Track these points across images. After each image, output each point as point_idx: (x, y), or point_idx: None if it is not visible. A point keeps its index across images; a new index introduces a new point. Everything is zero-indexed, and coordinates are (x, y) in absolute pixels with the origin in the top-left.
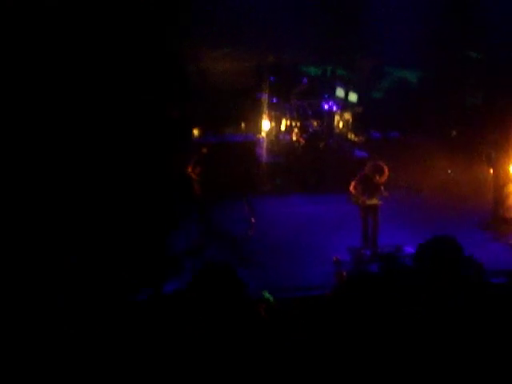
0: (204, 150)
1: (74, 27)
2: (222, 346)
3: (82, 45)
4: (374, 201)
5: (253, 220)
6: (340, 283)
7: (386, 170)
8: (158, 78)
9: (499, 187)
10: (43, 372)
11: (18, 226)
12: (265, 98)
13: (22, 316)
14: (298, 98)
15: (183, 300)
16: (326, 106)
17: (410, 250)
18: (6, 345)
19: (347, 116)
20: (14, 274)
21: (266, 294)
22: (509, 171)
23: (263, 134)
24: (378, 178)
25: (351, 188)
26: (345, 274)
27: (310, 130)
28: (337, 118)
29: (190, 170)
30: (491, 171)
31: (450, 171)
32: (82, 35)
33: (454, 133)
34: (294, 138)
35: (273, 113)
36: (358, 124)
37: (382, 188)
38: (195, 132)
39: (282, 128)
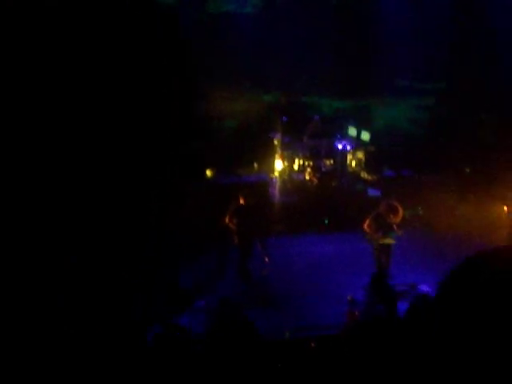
0: (241, 200)
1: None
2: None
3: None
4: (388, 240)
5: (267, 259)
6: (352, 323)
7: (401, 209)
8: (174, 115)
9: None
10: (43, 372)
11: (19, 227)
12: (277, 137)
13: (21, 316)
14: (310, 138)
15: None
16: (339, 146)
17: (424, 288)
18: (6, 345)
19: (360, 155)
20: (13, 274)
21: None
22: None
23: (276, 174)
24: (392, 217)
25: (365, 226)
26: (357, 313)
27: (323, 169)
28: (349, 157)
29: (227, 220)
30: (505, 209)
31: (461, 210)
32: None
33: (468, 170)
34: (307, 178)
35: (285, 152)
36: (370, 163)
37: (396, 227)
38: (208, 173)
39: (295, 167)
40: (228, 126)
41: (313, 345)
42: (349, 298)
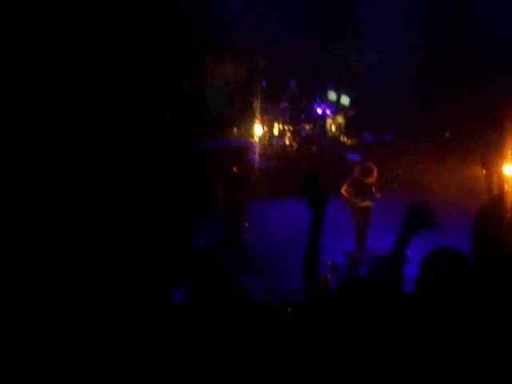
0: (234, 169)
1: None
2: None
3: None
4: (367, 203)
5: (247, 224)
6: (324, 286)
7: (375, 170)
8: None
9: (493, 188)
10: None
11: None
12: (257, 102)
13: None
14: (289, 102)
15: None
16: (319, 110)
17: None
18: (7, 344)
19: (339, 119)
20: (15, 274)
21: None
22: (502, 172)
23: (256, 139)
24: (367, 179)
25: (343, 191)
26: (329, 277)
27: (303, 133)
28: (329, 121)
29: (217, 187)
30: (484, 172)
31: (440, 173)
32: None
33: (447, 134)
34: (287, 142)
35: (265, 117)
36: (350, 127)
37: (374, 189)
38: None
39: (275, 132)
40: (207, 90)
41: (289, 310)
42: (329, 262)
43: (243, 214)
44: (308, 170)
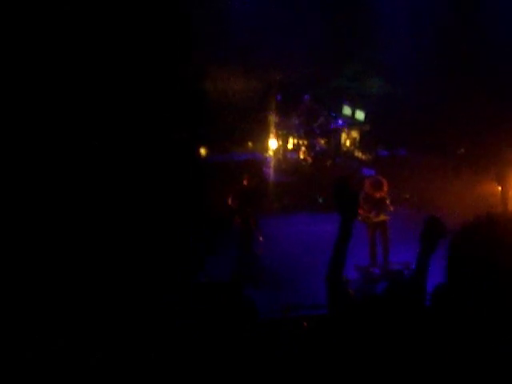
0: (245, 182)
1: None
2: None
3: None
4: (382, 217)
5: (261, 239)
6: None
7: (385, 183)
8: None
9: (508, 203)
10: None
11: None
12: (272, 116)
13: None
14: (304, 117)
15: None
16: (334, 125)
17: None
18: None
19: (354, 134)
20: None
21: None
22: None
23: (270, 153)
24: (377, 192)
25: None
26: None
27: (317, 148)
28: (344, 136)
29: (229, 201)
30: (500, 188)
31: (455, 189)
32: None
33: (462, 150)
34: (302, 157)
35: (280, 131)
36: (365, 142)
37: (388, 203)
38: (202, 151)
39: (289, 146)
40: (222, 105)
41: (305, 324)
42: (342, 278)
43: (256, 227)
44: (337, 177)
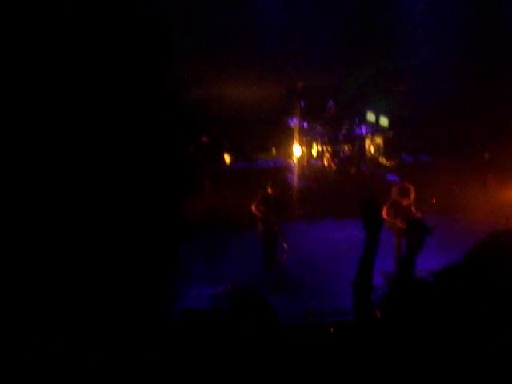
0: (269, 190)
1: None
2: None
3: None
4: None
5: (285, 245)
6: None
7: (412, 190)
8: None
9: None
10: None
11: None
12: (295, 123)
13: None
14: (328, 123)
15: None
16: (358, 131)
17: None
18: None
19: (378, 140)
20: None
21: None
22: None
23: (294, 160)
24: (405, 199)
25: (384, 214)
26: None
27: (342, 154)
28: (368, 142)
29: (253, 208)
30: None
31: (480, 196)
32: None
33: (487, 156)
34: (326, 163)
35: (304, 138)
36: (389, 148)
37: (414, 210)
38: (226, 158)
39: (313, 153)
40: (246, 111)
41: (331, 330)
42: None
43: (280, 234)
44: (365, 196)
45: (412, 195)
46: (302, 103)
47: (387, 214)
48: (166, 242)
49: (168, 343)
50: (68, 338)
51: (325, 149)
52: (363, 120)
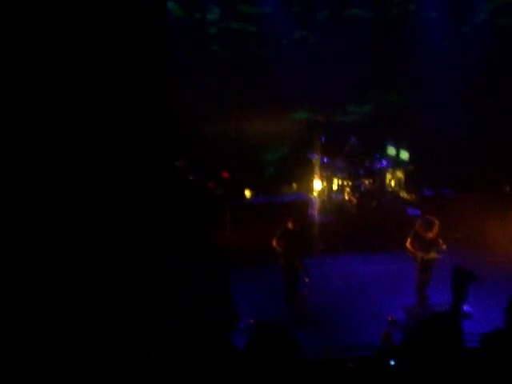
0: (290, 225)
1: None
2: None
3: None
4: (432, 255)
5: (307, 280)
6: (386, 343)
7: (436, 224)
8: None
9: None
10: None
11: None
12: (316, 157)
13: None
14: (348, 158)
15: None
16: (378, 165)
17: (467, 308)
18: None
19: (399, 174)
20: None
21: None
22: None
23: (315, 194)
24: (428, 233)
25: (407, 244)
26: (390, 333)
27: (362, 188)
28: (388, 176)
29: (274, 243)
30: None
31: (502, 230)
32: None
33: (509, 189)
34: (346, 198)
35: (324, 172)
36: (409, 182)
37: (440, 241)
38: (247, 193)
39: (334, 187)
40: (266, 145)
41: (351, 365)
42: (389, 318)
43: (301, 268)
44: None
45: (436, 228)
46: (323, 137)
47: (411, 244)
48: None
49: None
50: (68, 338)
51: (345, 183)
52: (384, 154)
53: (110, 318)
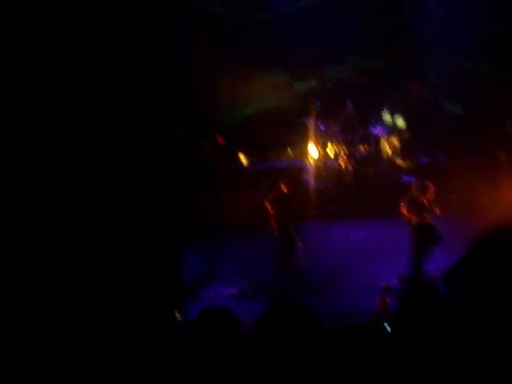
0: (281, 189)
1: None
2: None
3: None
4: (427, 219)
5: (300, 244)
6: (382, 310)
7: (432, 187)
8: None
9: None
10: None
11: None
12: (311, 123)
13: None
14: (344, 124)
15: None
16: (374, 132)
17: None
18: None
19: (395, 141)
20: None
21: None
22: None
23: (310, 161)
24: (424, 196)
25: (403, 209)
26: (388, 300)
27: (358, 155)
28: (384, 143)
29: (267, 207)
30: None
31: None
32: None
33: (502, 154)
34: (342, 164)
35: (320, 139)
36: (405, 149)
37: (435, 207)
38: (243, 159)
39: (330, 154)
40: (262, 112)
41: (348, 333)
42: (384, 285)
43: (296, 234)
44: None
45: (431, 193)
46: (318, 103)
47: (407, 209)
48: (172, 241)
49: (177, 343)
50: (68, 338)
51: (341, 150)
52: (380, 120)
53: (109, 318)
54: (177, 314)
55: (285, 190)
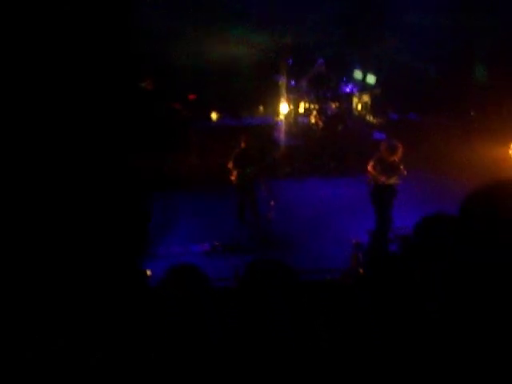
0: (243, 144)
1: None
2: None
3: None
4: (393, 180)
5: (272, 203)
6: (356, 266)
7: (400, 147)
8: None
9: None
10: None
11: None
12: (283, 80)
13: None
14: (316, 81)
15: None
16: (345, 89)
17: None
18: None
19: (365, 98)
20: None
21: None
22: None
23: (281, 117)
24: (392, 156)
25: (369, 168)
26: (360, 256)
27: (329, 112)
28: (355, 100)
29: (230, 164)
30: (511, 153)
31: (465, 153)
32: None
33: (473, 113)
34: (313, 121)
35: (291, 95)
36: (376, 106)
37: (402, 167)
38: (213, 116)
39: (301, 111)
40: (233, 69)
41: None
42: (354, 241)
43: (267, 191)
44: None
45: (399, 152)
46: (290, 60)
47: (374, 168)
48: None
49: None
50: (68, 338)
51: (312, 106)
52: (350, 78)
53: (109, 318)
54: (147, 271)
55: (244, 146)
